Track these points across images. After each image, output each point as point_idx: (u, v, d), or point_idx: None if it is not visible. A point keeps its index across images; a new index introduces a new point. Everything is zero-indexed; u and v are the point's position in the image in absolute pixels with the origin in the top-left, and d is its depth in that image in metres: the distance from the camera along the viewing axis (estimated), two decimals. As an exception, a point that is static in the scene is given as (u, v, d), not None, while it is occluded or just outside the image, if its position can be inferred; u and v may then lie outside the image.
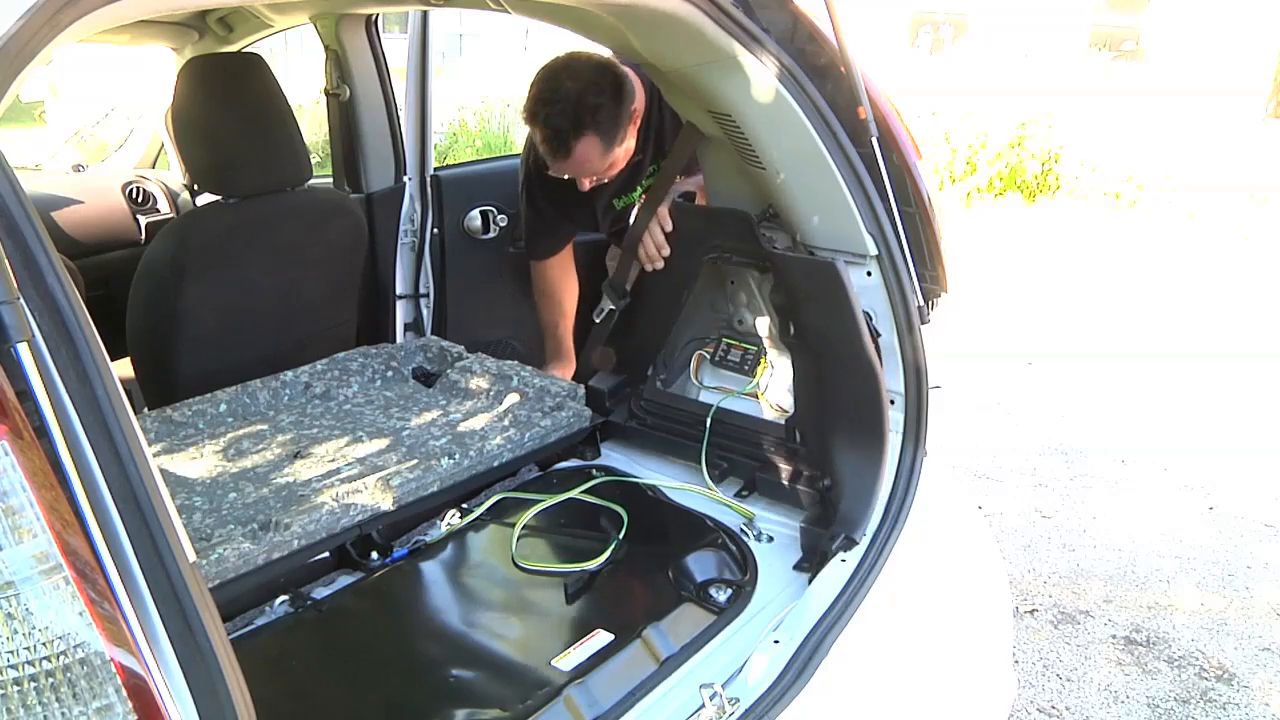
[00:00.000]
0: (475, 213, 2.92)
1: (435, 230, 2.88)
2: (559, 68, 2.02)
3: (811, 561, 1.68)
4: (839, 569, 1.55)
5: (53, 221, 3.03)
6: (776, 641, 1.40)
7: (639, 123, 2.15)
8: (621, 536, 1.72)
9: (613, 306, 2.13)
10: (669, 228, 2.01)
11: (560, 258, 2.50)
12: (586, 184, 2.17)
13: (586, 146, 2.02)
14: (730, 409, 2.00)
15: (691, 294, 2.08)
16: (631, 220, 2.18)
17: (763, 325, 2.06)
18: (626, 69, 2.14)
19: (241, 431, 1.92)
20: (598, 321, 2.16)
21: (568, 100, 1.97)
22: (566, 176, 2.15)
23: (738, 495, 1.91)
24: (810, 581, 1.59)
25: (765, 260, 1.85)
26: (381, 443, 1.88)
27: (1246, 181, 8.73)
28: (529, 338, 2.89)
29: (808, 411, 1.87)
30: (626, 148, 2.10)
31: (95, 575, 0.78)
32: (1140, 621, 2.91)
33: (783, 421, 1.94)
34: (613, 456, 2.07)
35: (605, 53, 2.04)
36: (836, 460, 1.76)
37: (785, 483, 1.84)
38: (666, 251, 2.02)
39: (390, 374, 2.22)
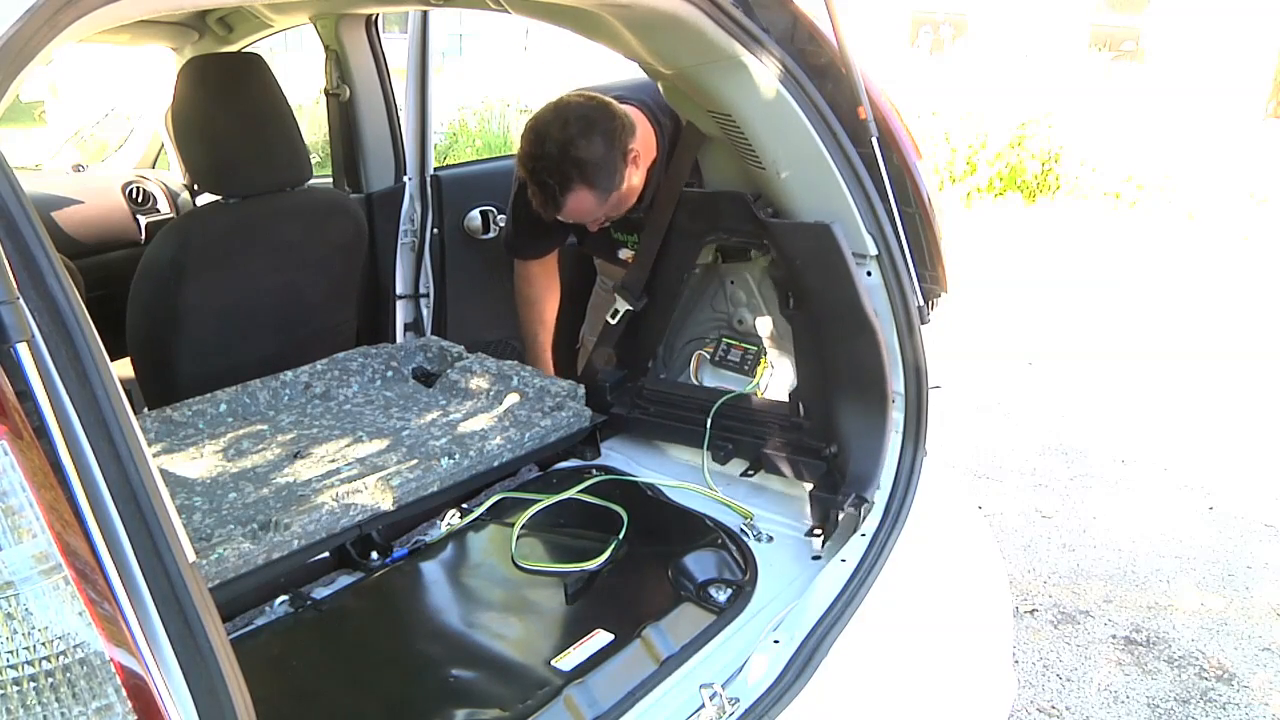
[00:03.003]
0: (475, 213, 2.91)
1: (435, 230, 2.88)
2: (546, 119, 1.99)
3: (824, 527, 1.70)
4: (839, 569, 1.55)
5: (53, 221, 3.03)
6: (776, 641, 1.40)
7: (646, 162, 2.10)
8: (621, 536, 1.72)
9: (630, 307, 2.11)
10: None
11: (545, 264, 2.46)
12: (594, 226, 2.14)
13: (578, 199, 1.99)
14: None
15: (692, 277, 2.08)
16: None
17: (763, 325, 2.06)
18: (632, 109, 2.09)
19: (241, 431, 1.92)
20: (613, 323, 2.14)
21: (553, 156, 1.95)
22: (572, 222, 2.11)
23: (743, 475, 1.93)
24: (815, 560, 1.61)
25: (763, 237, 1.85)
26: (381, 443, 1.88)
27: (1246, 181, 8.73)
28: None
29: (810, 382, 1.88)
30: (630, 187, 2.05)
31: (95, 575, 0.78)
32: (1140, 621, 2.91)
33: (784, 403, 1.95)
34: (613, 456, 2.07)
35: (629, 69, 1.94)
36: (841, 424, 1.77)
37: (791, 457, 1.86)
38: None
39: (390, 374, 2.22)
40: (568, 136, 1.94)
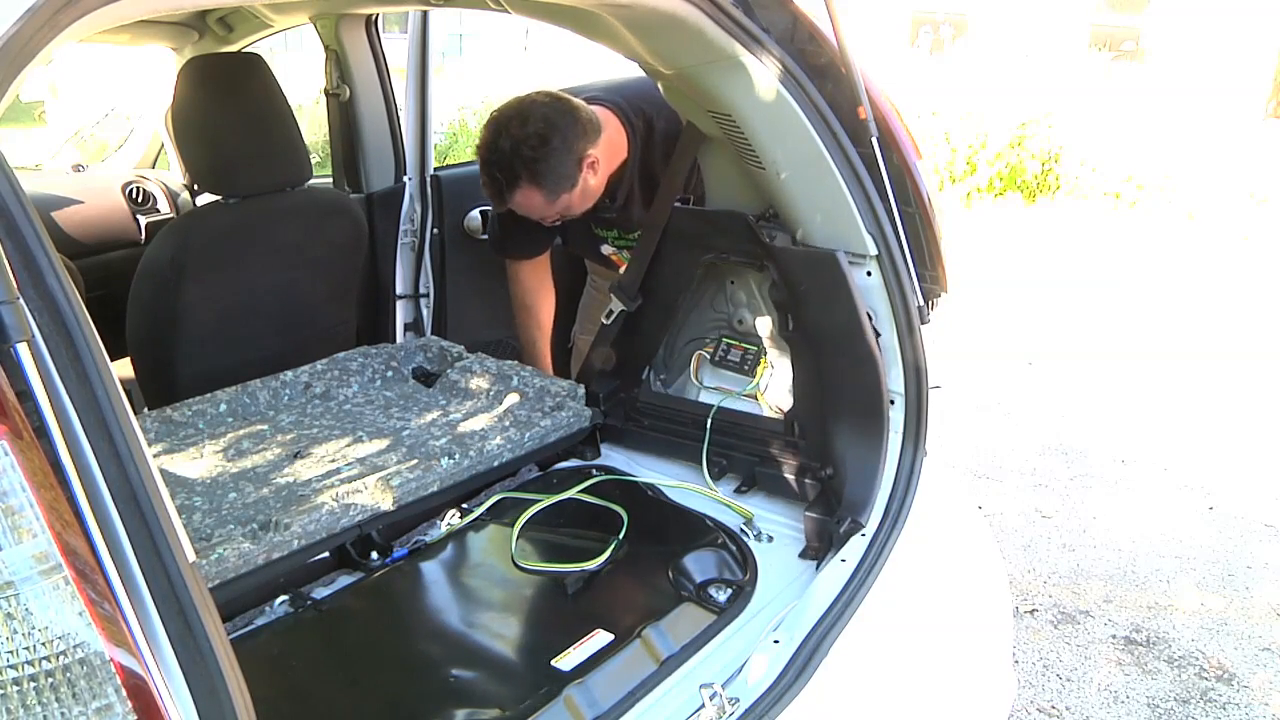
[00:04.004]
0: (475, 213, 2.91)
1: (435, 230, 2.88)
2: (508, 114, 2.03)
3: (817, 549, 1.70)
4: (839, 569, 1.55)
5: (53, 221, 3.03)
6: (776, 641, 1.40)
7: (609, 165, 2.13)
8: (621, 536, 1.72)
9: (624, 308, 2.11)
10: None
11: (537, 265, 2.46)
12: (548, 221, 2.17)
13: (525, 196, 2.04)
14: (728, 407, 2.00)
15: (687, 297, 2.08)
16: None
17: (763, 325, 2.06)
18: (603, 110, 2.12)
19: (241, 431, 1.92)
20: (607, 323, 2.14)
21: (503, 153, 2.00)
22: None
23: (736, 492, 1.92)
24: (818, 568, 1.60)
25: (764, 259, 1.85)
26: (381, 443, 1.88)
27: (1246, 181, 8.73)
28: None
29: (807, 404, 1.87)
30: (587, 190, 2.09)
31: (95, 575, 0.78)
32: (1140, 621, 2.91)
33: (780, 419, 1.94)
34: (613, 456, 2.07)
35: (629, 70, 1.95)
36: (838, 449, 1.77)
37: (785, 476, 1.85)
38: None
39: (390, 374, 2.22)
40: (524, 135, 1.98)
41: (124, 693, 0.78)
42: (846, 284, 1.66)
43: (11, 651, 0.75)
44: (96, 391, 0.83)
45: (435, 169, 2.90)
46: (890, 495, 1.69)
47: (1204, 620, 2.92)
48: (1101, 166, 9.29)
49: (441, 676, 1.42)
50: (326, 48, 2.76)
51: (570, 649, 1.41)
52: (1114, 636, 2.84)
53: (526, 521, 1.76)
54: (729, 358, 2.10)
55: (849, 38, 1.61)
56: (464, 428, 1.92)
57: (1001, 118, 9.39)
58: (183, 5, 1.88)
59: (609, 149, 2.12)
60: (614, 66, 2.07)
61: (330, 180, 2.97)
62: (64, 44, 0.94)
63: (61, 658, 0.76)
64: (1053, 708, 2.54)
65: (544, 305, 2.50)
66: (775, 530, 1.79)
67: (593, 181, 2.09)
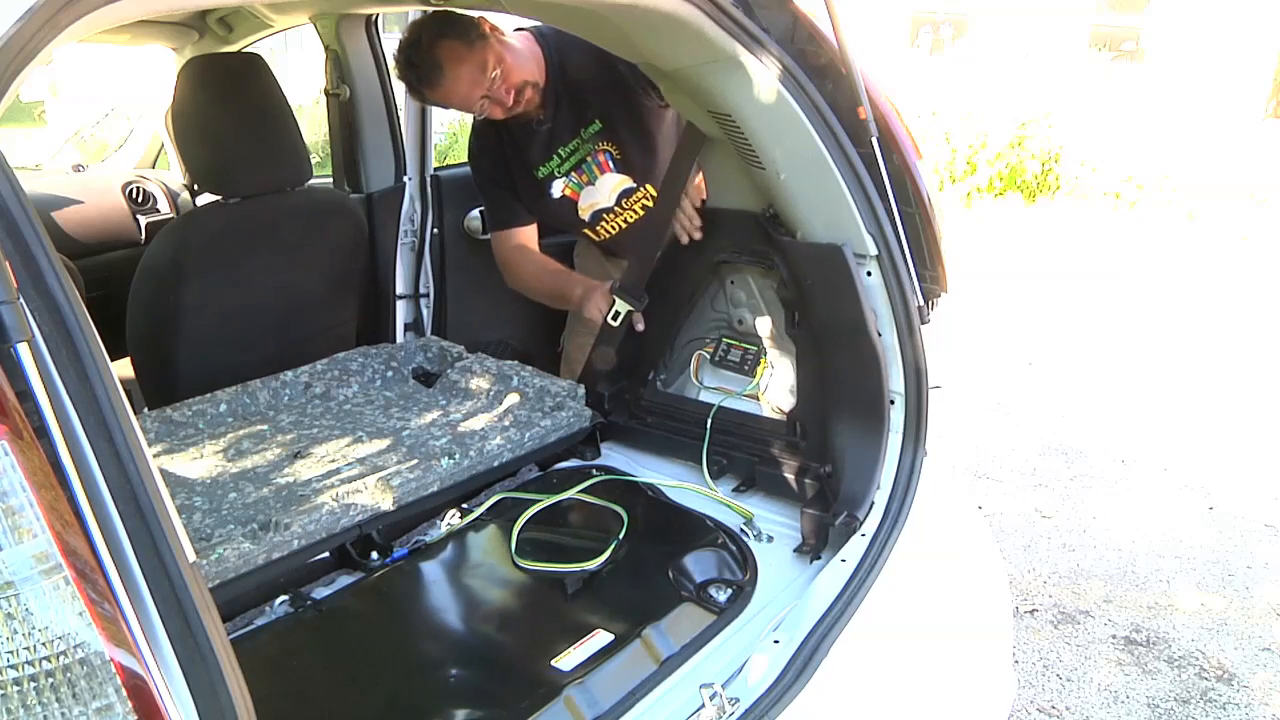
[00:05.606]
0: (475, 213, 2.91)
1: (435, 230, 2.88)
2: (403, 38, 2.20)
3: (813, 545, 1.70)
4: (839, 569, 1.55)
5: (53, 221, 3.04)
6: (776, 641, 1.40)
7: (530, 73, 2.20)
8: (621, 536, 1.72)
9: (631, 308, 2.10)
10: (699, 200, 2.02)
11: (528, 237, 2.49)
12: (498, 112, 2.19)
13: (448, 54, 2.11)
14: (729, 407, 2.01)
15: (695, 296, 2.08)
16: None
17: (763, 325, 2.06)
18: (517, 33, 2.28)
19: (241, 431, 1.92)
20: (614, 325, 2.13)
21: (413, 34, 2.15)
22: (482, 113, 2.21)
23: (735, 491, 1.92)
24: (814, 562, 1.60)
25: (772, 256, 1.85)
26: (381, 443, 1.88)
27: (1246, 181, 8.74)
28: (528, 338, 2.89)
29: (809, 403, 1.88)
30: (507, 59, 2.15)
31: (95, 575, 0.78)
32: (1140, 621, 2.91)
33: (781, 418, 1.94)
34: (613, 456, 2.07)
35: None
36: (837, 445, 1.77)
37: (784, 475, 1.85)
38: (699, 223, 2.02)
39: (390, 374, 2.22)
40: (419, 21, 2.17)
41: (124, 693, 0.78)
42: (851, 278, 1.66)
43: (11, 651, 0.75)
44: (96, 391, 0.83)
45: (435, 169, 2.91)
46: (890, 495, 1.69)
47: (1204, 620, 2.92)
48: (1101, 166, 9.30)
49: (441, 676, 1.42)
50: (326, 48, 2.76)
51: (570, 649, 1.41)
52: (1114, 636, 2.84)
53: (526, 521, 1.76)
54: (729, 358, 2.10)
55: (849, 38, 1.61)
56: (464, 428, 1.92)
57: (1001, 118, 9.40)
58: (183, 5, 1.88)
59: (520, 49, 2.22)
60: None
61: (330, 180, 2.97)
62: (64, 44, 0.94)
63: (61, 658, 0.76)
64: (1053, 708, 2.54)
65: (543, 258, 2.52)
66: (775, 530, 1.79)
67: (508, 51, 2.16)
